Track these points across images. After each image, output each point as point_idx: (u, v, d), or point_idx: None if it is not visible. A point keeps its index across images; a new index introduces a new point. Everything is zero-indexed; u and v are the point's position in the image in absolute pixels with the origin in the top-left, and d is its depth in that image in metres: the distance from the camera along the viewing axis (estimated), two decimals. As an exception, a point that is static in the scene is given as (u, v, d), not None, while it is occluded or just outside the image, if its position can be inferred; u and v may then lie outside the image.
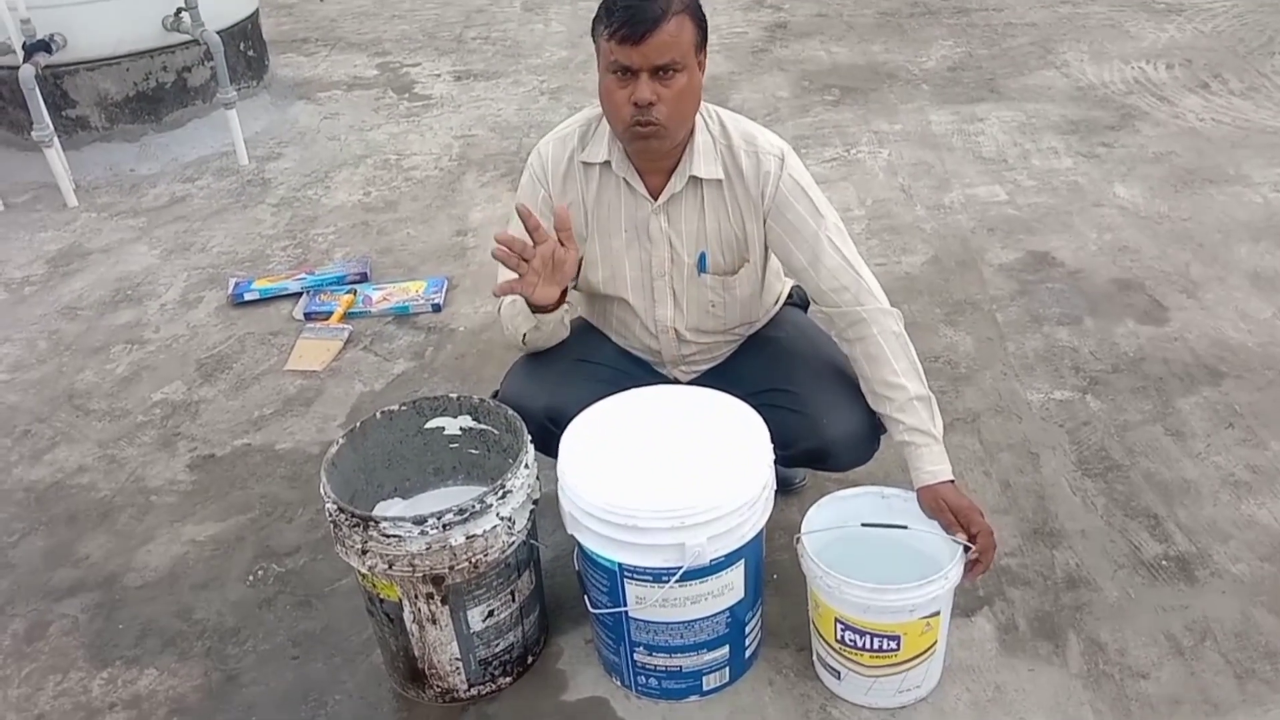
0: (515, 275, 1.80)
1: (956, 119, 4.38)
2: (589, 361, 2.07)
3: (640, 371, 2.14)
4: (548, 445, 1.87)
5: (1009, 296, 3.07)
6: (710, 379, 2.12)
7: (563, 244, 1.80)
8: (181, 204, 4.04)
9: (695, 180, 1.92)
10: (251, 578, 2.23)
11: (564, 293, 1.90)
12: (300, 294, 3.29)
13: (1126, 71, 4.80)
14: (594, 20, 1.81)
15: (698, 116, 1.90)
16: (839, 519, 1.86)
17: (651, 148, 1.85)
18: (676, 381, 2.15)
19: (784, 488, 2.22)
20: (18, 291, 3.48)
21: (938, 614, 1.73)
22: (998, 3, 5.91)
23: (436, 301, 3.19)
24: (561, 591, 2.06)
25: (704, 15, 1.82)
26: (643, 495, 1.67)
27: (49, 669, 2.04)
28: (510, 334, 2.01)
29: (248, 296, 3.29)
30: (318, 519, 2.35)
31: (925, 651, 1.76)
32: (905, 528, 1.82)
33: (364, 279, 3.35)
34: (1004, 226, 3.48)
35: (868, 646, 1.73)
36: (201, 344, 3.11)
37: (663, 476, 1.72)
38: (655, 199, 1.94)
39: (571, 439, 1.81)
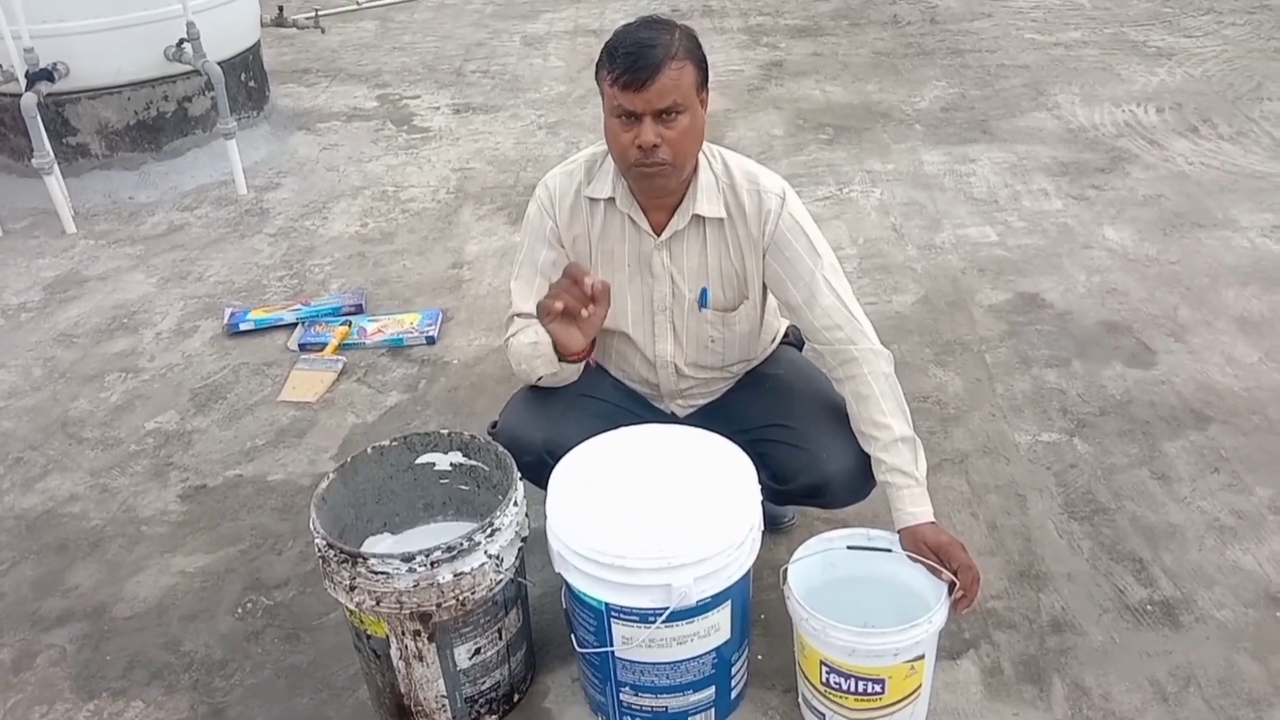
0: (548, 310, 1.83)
1: (949, 159, 4.43)
2: (588, 396, 2.09)
3: (638, 407, 2.16)
4: (544, 478, 1.89)
5: (998, 338, 3.10)
6: (707, 415, 2.15)
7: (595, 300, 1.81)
8: (179, 233, 4.07)
9: (698, 218, 1.96)
10: (240, 610, 2.23)
11: (592, 344, 1.91)
12: (295, 325, 3.31)
13: (1117, 114, 4.86)
14: (597, 64, 1.86)
15: (701, 156, 1.94)
16: (826, 561, 1.87)
17: (656, 185, 1.89)
18: (674, 415, 2.17)
19: (772, 526, 2.23)
20: (14, 318, 3.50)
21: (922, 657, 1.74)
22: (991, 44, 5.99)
23: (431, 334, 3.21)
24: (549, 629, 2.07)
25: (704, 56, 1.87)
26: (630, 536, 1.69)
27: (35, 700, 2.04)
28: (524, 371, 2.00)
29: (243, 326, 3.31)
30: (307, 551, 2.35)
31: (910, 695, 1.77)
32: (889, 550, 1.85)
33: (359, 311, 3.37)
34: (994, 267, 3.51)
35: (852, 689, 1.74)
36: (196, 374, 3.12)
37: (650, 517, 1.74)
38: (658, 235, 1.97)
39: (560, 478, 1.83)
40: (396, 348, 3.19)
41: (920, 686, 1.78)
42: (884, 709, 1.76)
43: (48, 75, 3.98)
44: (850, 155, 4.51)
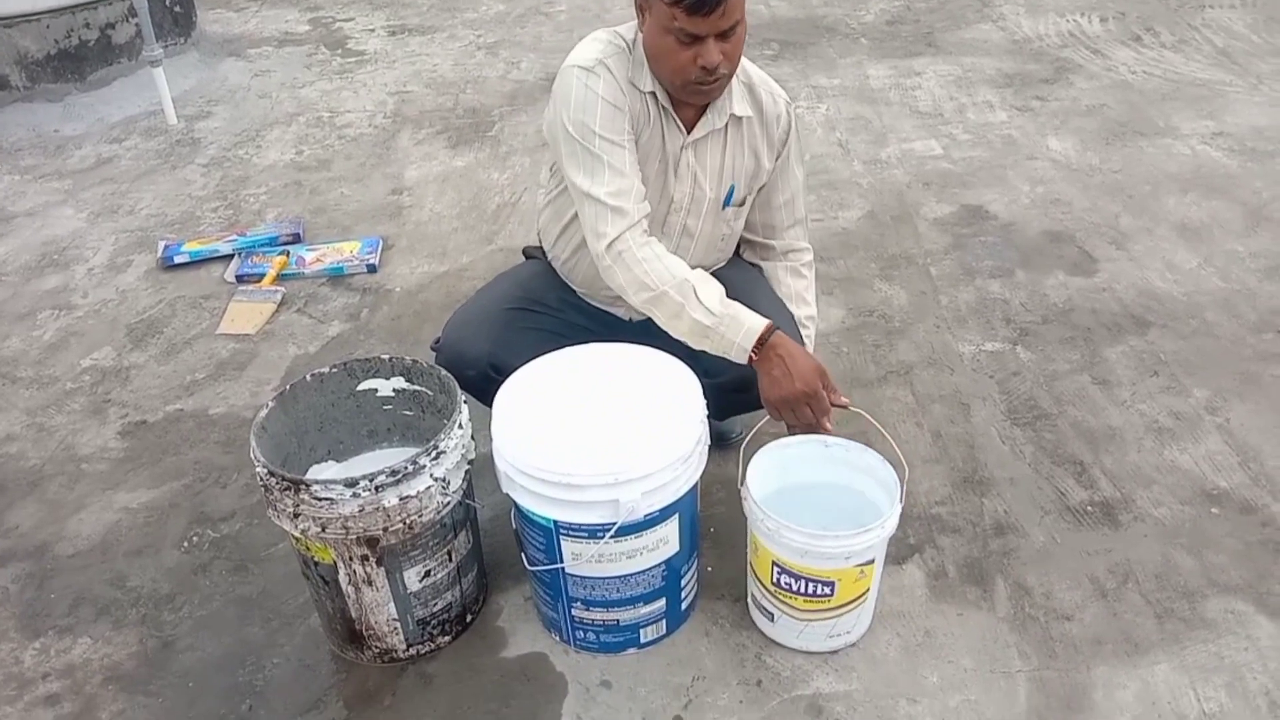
0: None
1: (894, 73, 4.39)
2: (530, 310, 2.09)
3: (582, 318, 2.15)
4: (488, 394, 1.87)
5: (943, 250, 3.11)
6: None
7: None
8: (108, 165, 3.94)
9: (730, 117, 1.96)
10: (186, 544, 2.20)
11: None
12: (232, 256, 3.23)
13: (1061, 24, 4.84)
14: None
15: None
16: (781, 466, 1.88)
17: (708, 98, 1.90)
18: (628, 322, 2.17)
19: (720, 442, 2.24)
20: (-62, 257, 3.39)
21: (872, 562, 1.77)
22: (936, -45, 5.92)
23: (371, 262, 3.15)
24: (501, 550, 2.07)
25: None
26: (576, 453, 1.68)
27: (-21, 641, 2.01)
28: (654, 291, 1.85)
29: (178, 259, 3.23)
30: (252, 484, 2.32)
31: (858, 598, 1.80)
32: (847, 405, 1.89)
33: (297, 240, 3.30)
34: (939, 181, 3.51)
35: (802, 591, 1.77)
36: (131, 309, 3.05)
37: (596, 434, 1.73)
38: (688, 132, 1.95)
39: (505, 399, 1.81)
40: (337, 276, 3.13)
41: (868, 591, 1.81)
42: (832, 610, 1.79)
43: (-42, 2, 3.81)
44: (796, 71, 4.46)
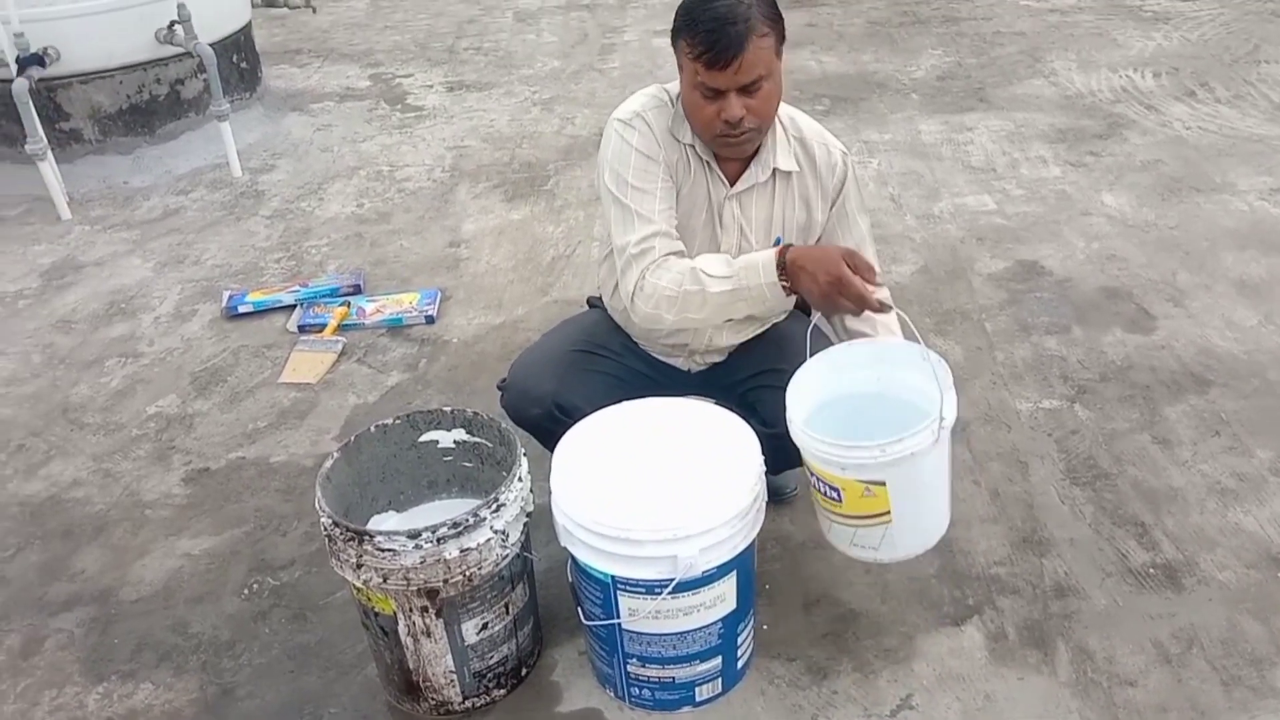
0: None
1: (946, 128, 4.41)
2: (596, 354, 2.12)
3: (644, 367, 2.18)
4: (552, 435, 1.90)
5: (998, 306, 3.10)
6: (714, 368, 2.19)
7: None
8: (175, 216, 4.05)
9: (775, 172, 1.98)
10: (246, 591, 2.24)
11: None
12: (294, 306, 3.30)
13: (1114, 80, 4.83)
14: (674, 30, 1.84)
15: None
16: (879, 362, 1.89)
17: (741, 151, 1.92)
18: (687, 372, 2.19)
19: (775, 498, 2.24)
20: (11, 305, 3.49)
21: (883, 484, 1.71)
22: (986, 12, 5.95)
23: (430, 313, 3.21)
24: (556, 603, 2.08)
25: (780, 14, 1.85)
26: (635, 508, 1.69)
27: (44, 684, 2.05)
28: (691, 305, 1.86)
29: (241, 309, 3.30)
30: (312, 532, 2.36)
31: (873, 517, 1.76)
32: (880, 305, 1.78)
33: (357, 291, 3.37)
34: (993, 236, 3.51)
35: (817, 487, 1.81)
36: (195, 357, 3.12)
37: (655, 489, 1.74)
38: (730, 185, 1.98)
39: (564, 452, 1.83)
40: (396, 327, 3.19)
41: (888, 514, 1.74)
42: (847, 518, 1.79)
43: (39, 60, 3.95)
44: (847, 126, 4.49)
